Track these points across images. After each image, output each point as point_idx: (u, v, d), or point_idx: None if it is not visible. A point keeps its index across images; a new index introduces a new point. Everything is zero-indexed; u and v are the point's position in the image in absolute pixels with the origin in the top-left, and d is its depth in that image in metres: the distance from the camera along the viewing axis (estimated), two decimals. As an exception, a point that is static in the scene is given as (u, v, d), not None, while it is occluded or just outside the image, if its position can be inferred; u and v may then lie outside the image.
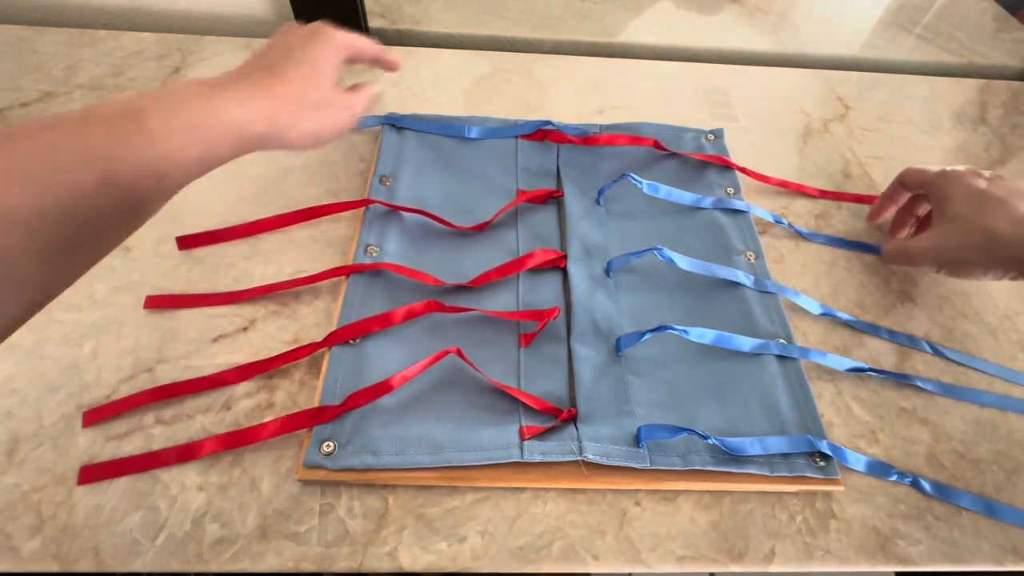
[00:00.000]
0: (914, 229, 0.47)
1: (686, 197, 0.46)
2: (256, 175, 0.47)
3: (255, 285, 0.40)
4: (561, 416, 0.34)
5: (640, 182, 0.44)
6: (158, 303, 0.39)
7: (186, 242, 0.42)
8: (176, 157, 0.25)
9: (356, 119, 0.36)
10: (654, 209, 0.47)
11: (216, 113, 0.27)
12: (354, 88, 0.37)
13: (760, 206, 0.49)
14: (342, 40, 0.35)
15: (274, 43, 0.34)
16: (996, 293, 0.46)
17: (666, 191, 0.46)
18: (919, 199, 0.45)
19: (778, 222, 0.47)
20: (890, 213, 0.47)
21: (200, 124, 0.26)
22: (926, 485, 0.35)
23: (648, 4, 0.73)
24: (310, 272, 0.41)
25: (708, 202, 0.47)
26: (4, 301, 0.20)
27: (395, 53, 0.42)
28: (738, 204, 0.47)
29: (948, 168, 0.41)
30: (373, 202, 0.43)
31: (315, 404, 0.34)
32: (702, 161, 0.50)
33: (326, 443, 0.33)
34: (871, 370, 0.39)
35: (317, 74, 0.33)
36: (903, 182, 0.45)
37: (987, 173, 0.40)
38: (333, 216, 0.44)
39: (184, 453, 0.33)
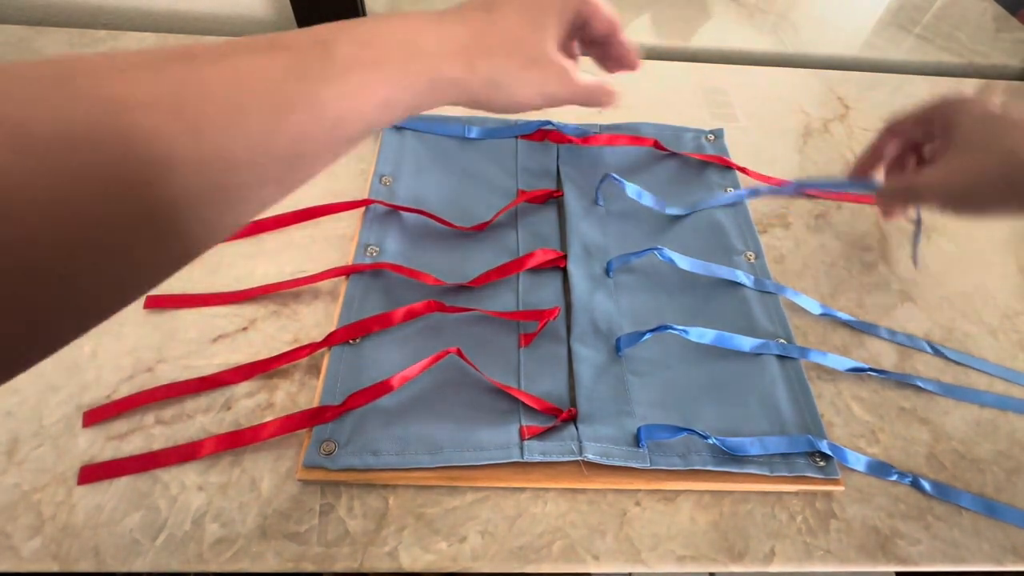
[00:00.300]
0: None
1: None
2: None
3: (255, 285, 0.40)
4: (561, 416, 0.34)
5: (623, 183, 0.44)
6: (158, 303, 0.39)
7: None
8: (357, 96, 0.21)
9: (574, 97, 0.30)
10: (654, 209, 0.47)
11: (413, 43, 0.23)
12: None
13: (761, 206, 0.49)
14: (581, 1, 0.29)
15: None
16: (996, 293, 0.46)
17: (650, 199, 0.45)
18: (913, 147, 0.40)
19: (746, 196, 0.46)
20: (877, 170, 0.41)
21: (393, 57, 0.22)
22: (926, 485, 0.35)
23: (647, 5, 0.73)
24: (310, 272, 0.41)
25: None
26: (163, 250, 0.18)
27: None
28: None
29: (950, 94, 0.36)
30: (373, 202, 0.43)
31: (315, 404, 0.34)
32: (702, 161, 0.50)
33: (326, 443, 0.33)
34: (871, 370, 0.39)
35: (540, 25, 0.27)
36: (891, 129, 0.39)
37: (997, 97, 0.35)
38: (333, 216, 0.44)
39: (184, 453, 0.33)
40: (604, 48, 0.33)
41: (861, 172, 0.41)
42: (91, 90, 0.16)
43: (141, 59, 0.17)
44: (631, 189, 0.44)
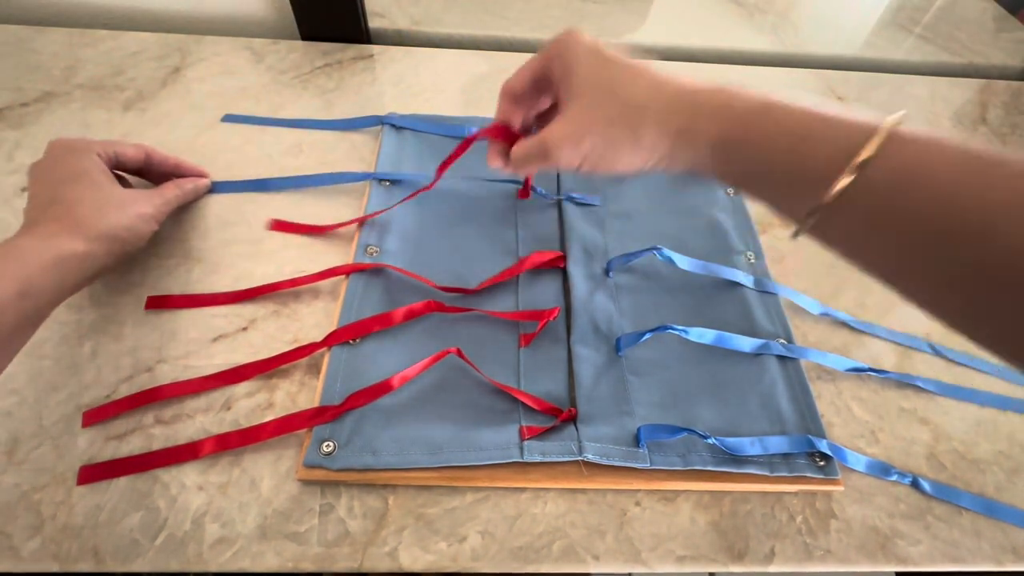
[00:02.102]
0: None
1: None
2: (256, 175, 0.47)
3: (255, 285, 0.40)
4: (561, 416, 0.34)
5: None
6: (159, 303, 0.39)
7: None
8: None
9: (159, 205, 0.39)
10: (654, 209, 0.47)
11: (28, 254, 0.31)
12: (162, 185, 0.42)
13: (760, 206, 0.49)
14: (87, 144, 0.38)
15: (38, 180, 0.36)
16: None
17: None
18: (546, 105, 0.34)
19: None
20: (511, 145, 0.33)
21: (8, 270, 0.30)
22: (926, 485, 0.35)
23: (646, 5, 0.73)
24: (310, 272, 0.41)
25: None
26: None
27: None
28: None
29: (561, 34, 0.30)
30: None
31: (315, 404, 0.34)
32: (702, 161, 0.50)
33: (326, 443, 0.33)
34: (871, 370, 0.39)
35: (93, 182, 0.36)
36: (510, 91, 0.32)
37: (600, 39, 0.30)
38: (333, 216, 0.44)
39: (184, 453, 0.33)
40: (156, 168, 0.43)
41: (496, 157, 0.34)
42: None
43: None
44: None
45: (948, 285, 0.21)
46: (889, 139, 0.21)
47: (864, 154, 0.21)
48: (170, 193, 0.41)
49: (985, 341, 0.22)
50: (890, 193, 0.21)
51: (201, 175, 0.45)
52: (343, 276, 0.40)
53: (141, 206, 0.38)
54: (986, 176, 0.20)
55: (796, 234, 0.25)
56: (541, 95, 0.33)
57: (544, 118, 0.34)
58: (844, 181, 0.22)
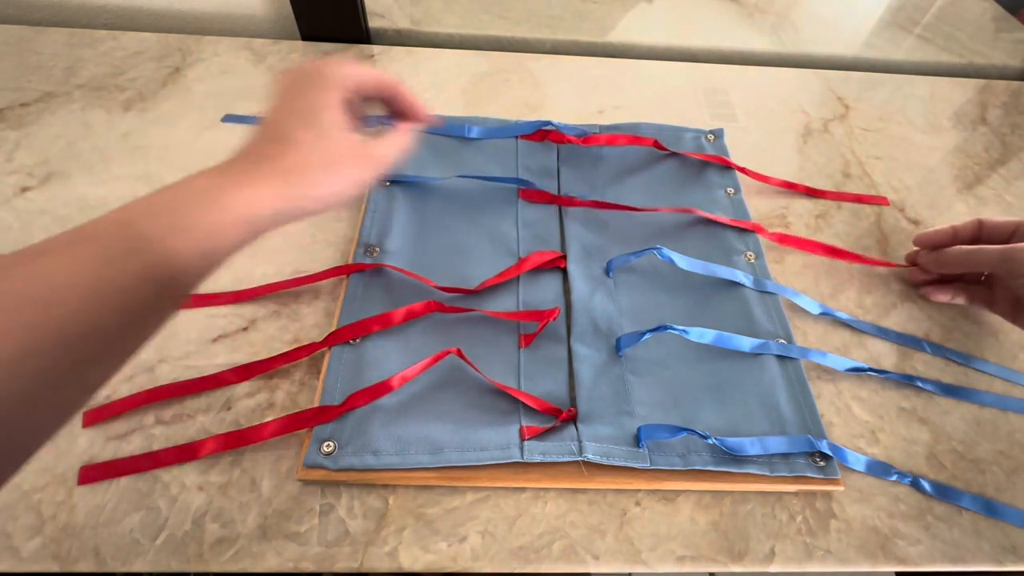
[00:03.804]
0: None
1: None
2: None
3: (255, 285, 0.40)
4: (561, 416, 0.34)
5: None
6: None
7: None
8: (176, 262, 0.23)
9: (379, 170, 0.31)
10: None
11: (220, 204, 0.25)
12: (382, 134, 0.33)
13: (760, 206, 0.49)
14: (340, 78, 0.30)
15: (276, 99, 0.30)
16: (996, 293, 0.46)
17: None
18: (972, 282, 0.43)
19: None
20: (944, 247, 0.42)
21: (202, 223, 0.24)
22: (926, 485, 0.35)
23: (646, 5, 0.73)
24: (310, 272, 0.41)
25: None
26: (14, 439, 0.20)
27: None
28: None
29: (1015, 247, 0.38)
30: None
31: (315, 404, 0.34)
32: (702, 161, 0.50)
33: (326, 443, 0.33)
34: (871, 370, 0.39)
35: (323, 130, 0.29)
36: (985, 228, 0.42)
37: None
38: (333, 216, 0.44)
39: (184, 453, 0.33)
40: (391, 104, 0.35)
41: (928, 244, 0.44)
42: None
43: None
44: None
45: None
46: None
47: None
48: (393, 153, 0.32)
49: None
50: None
51: (420, 119, 0.35)
52: (343, 276, 0.40)
53: (362, 171, 0.30)
54: None
55: None
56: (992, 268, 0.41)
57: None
58: None
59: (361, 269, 0.40)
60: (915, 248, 0.45)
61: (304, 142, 0.28)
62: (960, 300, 0.43)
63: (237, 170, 0.26)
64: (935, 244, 0.43)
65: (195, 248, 0.24)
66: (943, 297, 0.44)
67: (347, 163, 0.29)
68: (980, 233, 0.42)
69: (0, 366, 0.18)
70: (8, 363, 0.18)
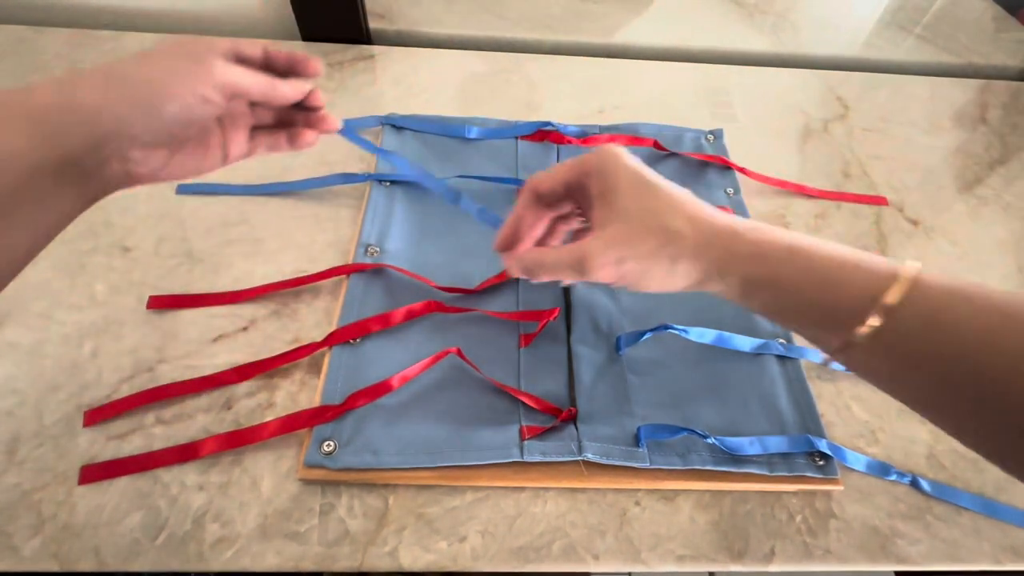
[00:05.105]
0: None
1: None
2: (256, 175, 0.47)
3: (255, 285, 0.40)
4: (561, 416, 0.34)
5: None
6: (161, 303, 0.39)
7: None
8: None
9: (228, 81, 0.27)
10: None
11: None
12: None
13: (760, 206, 0.49)
14: (212, 43, 0.28)
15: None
16: (996, 293, 0.46)
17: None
18: (564, 218, 0.33)
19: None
20: (526, 244, 0.32)
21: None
22: (925, 485, 0.35)
23: (645, 5, 0.73)
24: (310, 272, 0.41)
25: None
26: None
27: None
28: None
29: (602, 149, 0.30)
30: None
31: (315, 404, 0.34)
32: (702, 161, 0.50)
33: (326, 443, 0.33)
34: (871, 370, 0.39)
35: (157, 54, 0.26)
36: (537, 191, 0.31)
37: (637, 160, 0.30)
38: (333, 216, 0.44)
39: (184, 453, 0.33)
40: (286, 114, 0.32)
41: (507, 242, 0.33)
42: None
43: None
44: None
45: (972, 426, 0.23)
46: (913, 285, 0.23)
47: (890, 298, 0.23)
48: (249, 77, 0.28)
49: (1014, 472, 0.23)
50: (914, 337, 0.23)
51: (310, 71, 0.31)
52: (343, 276, 0.40)
53: (194, 80, 0.26)
54: (1005, 328, 0.21)
55: (825, 363, 0.27)
56: (566, 201, 0.32)
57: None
58: (873, 323, 0.23)
59: (361, 269, 0.40)
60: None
61: (124, 63, 0.26)
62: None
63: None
64: (511, 240, 0.33)
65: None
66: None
67: (194, 67, 0.26)
68: (540, 200, 0.32)
69: None
70: None
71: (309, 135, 0.32)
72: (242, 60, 0.29)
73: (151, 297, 0.39)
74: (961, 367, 0.22)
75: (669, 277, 0.28)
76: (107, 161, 0.26)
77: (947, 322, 0.22)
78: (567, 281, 0.34)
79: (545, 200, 0.32)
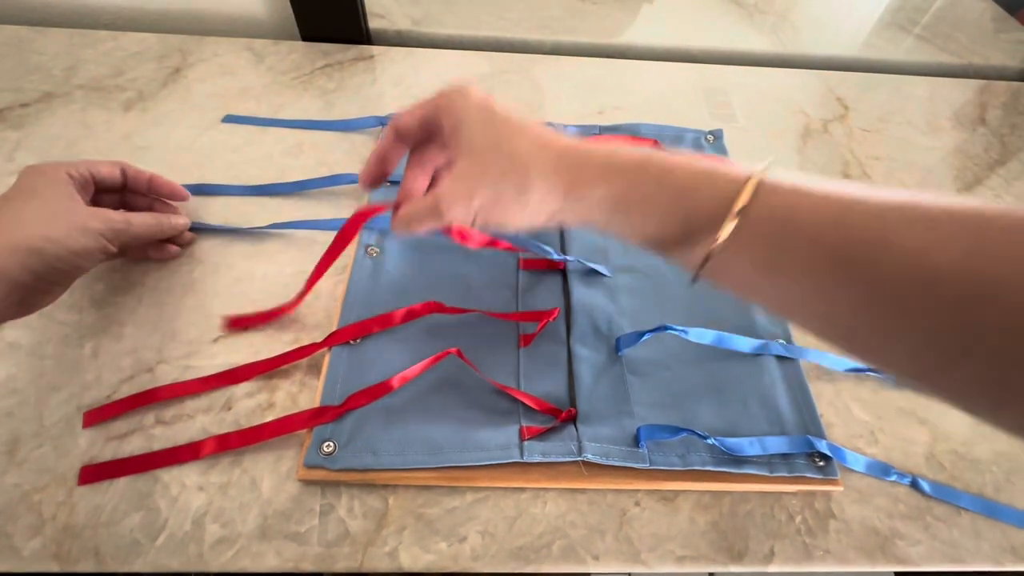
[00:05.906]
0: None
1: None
2: (256, 176, 0.47)
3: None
4: (561, 416, 0.34)
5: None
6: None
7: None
8: None
9: (117, 226, 0.35)
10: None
11: None
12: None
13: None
14: (59, 167, 0.35)
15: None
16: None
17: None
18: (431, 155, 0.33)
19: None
20: (385, 176, 0.34)
21: None
22: (925, 485, 0.35)
23: (645, 5, 0.73)
24: (309, 272, 0.41)
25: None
26: None
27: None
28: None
29: (450, 89, 0.30)
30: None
31: (315, 404, 0.34)
32: (702, 161, 0.50)
33: (326, 443, 0.33)
34: (870, 370, 0.39)
35: (45, 197, 0.34)
36: (396, 128, 0.31)
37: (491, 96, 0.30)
38: (333, 216, 0.44)
39: (184, 453, 0.33)
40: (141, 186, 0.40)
41: (368, 180, 0.34)
42: None
43: None
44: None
45: (828, 317, 0.23)
46: (761, 186, 0.23)
47: (741, 201, 0.23)
48: (136, 218, 0.36)
49: (880, 365, 0.24)
50: (771, 236, 0.23)
51: (175, 193, 0.41)
52: (342, 279, 0.40)
53: (88, 220, 0.33)
54: (846, 216, 0.21)
55: (693, 280, 0.26)
56: (427, 140, 0.32)
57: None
58: (728, 227, 0.23)
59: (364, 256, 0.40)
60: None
61: (20, 209, 0.32)
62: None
63: None
64: (376, 177, 0.34)
65: None
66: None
67: (71, 214, 0.33)
68: (400, 138, 0.32)
69: None
70: None
71: (173, 248, 0.41)
72: (99, 182, 0.37)
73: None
74: (808, 259, 0.22)
75: (524, 208, 0.28)
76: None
77: (792, 218, 0.22)
78: (435, 228, 0.31)
79: (405, 138, 0.32)
